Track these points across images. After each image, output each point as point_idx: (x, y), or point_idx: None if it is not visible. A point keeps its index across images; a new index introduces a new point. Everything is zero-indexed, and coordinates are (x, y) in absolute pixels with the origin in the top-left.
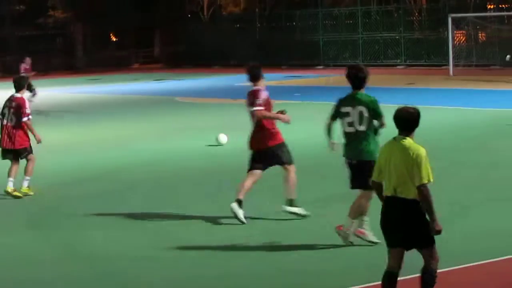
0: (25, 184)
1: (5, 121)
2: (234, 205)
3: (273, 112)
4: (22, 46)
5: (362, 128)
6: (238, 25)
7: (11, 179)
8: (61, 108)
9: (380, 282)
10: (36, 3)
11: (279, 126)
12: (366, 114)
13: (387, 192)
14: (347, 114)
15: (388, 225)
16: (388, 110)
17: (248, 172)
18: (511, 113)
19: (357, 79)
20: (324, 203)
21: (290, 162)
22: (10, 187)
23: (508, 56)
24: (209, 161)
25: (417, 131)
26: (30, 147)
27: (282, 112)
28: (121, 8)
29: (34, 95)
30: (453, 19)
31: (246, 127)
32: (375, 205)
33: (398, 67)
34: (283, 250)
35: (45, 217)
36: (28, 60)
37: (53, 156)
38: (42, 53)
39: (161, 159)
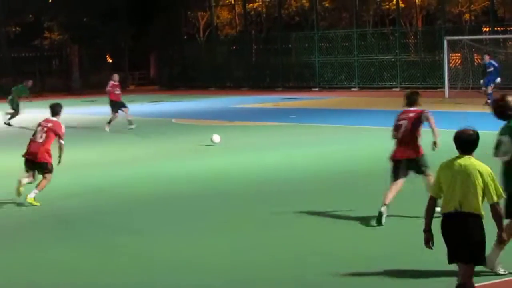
0: (32, 195)
1: (33, 137)
2: (384, 209)
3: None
4: (18, 67)
5: None
6: (234, 47)
7: (26, 179)
8: None
9: None
10: (32, 25)
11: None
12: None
13: (448, 208)
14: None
15: (452, 240)
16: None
17: (394, 181)
18: None
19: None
20: None
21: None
22: (23, 181)
23: (498, 79)
24: (206, 184)
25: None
26: (52, 166)
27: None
28: (118, 29)
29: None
30: (449, 42)
31: (242, 148)
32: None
33: (394, 89)
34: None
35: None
36: (116, 76)
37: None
38: (38, 75)
39: (160, 180)
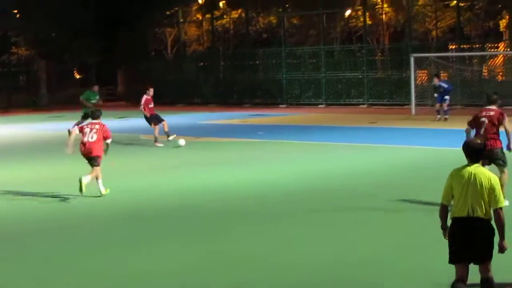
0: (102, 187)
1: (85, 139)
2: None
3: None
4: None
5: None
6: (202, 64)
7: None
8: (23, 145)
9: None
10: None
11: None
12: None
13: (460, 213)
14: None
15: (461, 243)
16: (354, 148)
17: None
18: None
19: None
20: None
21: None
22: (85, 180)
23: (447, 98)
24: (173, 199)
25: (374, 167)
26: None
27: None
28: (86, 45)
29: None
30: (416, 59)
31: (208, 164)
32: None
33: (361, 106)
34: None
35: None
36: (152, 91)
37: (20, 192)
38: (5, 90)
39: (128, 198)
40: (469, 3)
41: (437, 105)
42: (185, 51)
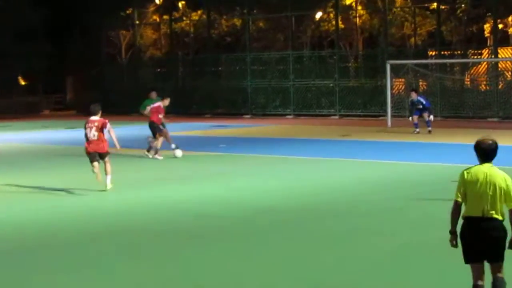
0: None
1: (90, 137)
2: None
3: None
4: None
5: None
6: (159, 70)
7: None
8: None
9: None
10: None
11: None
12: None
13: (474, 213)
14: None
15: (475, 242)
16: (324, 163)
17: None
18: (455, 168)
19: None
20: None
21: None
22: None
23: (431, 117)
24: (122, 219)
25: (345, 184)
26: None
27: None
28: (32, 50)
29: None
30: (392, 66)
31: (165, 180)
32: None
33: (333, 117)
34: None
35: None
36: (168, 101)
37: None
38: None
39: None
40: (450, 7)
41: (415, 117)
42: (141, 56)
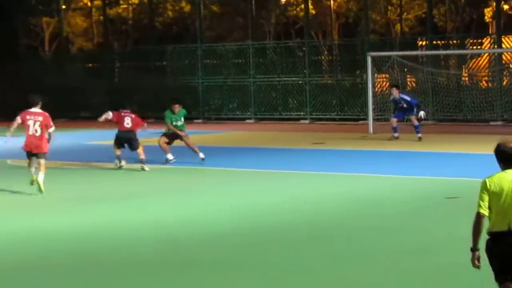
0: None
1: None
2: None
3: None
4: None
5: None
6: (90, 65)
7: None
8: None
9: None
10: None
11: None
12: None
13: (499, 227)
14: None
15: (503, 260)
16: (291, 177)
17: None
18: (450, 183)
19: None
20: None
21: None
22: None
23: (422, 113)
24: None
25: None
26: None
27: None
28: None
29: None
30: (374, 59)
31: (99, 200)
32: None
33: (302, 121)
34: None
35: None
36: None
37: None
38: None
39: None
40: None
41: (394, 119)
42: (68, 48)
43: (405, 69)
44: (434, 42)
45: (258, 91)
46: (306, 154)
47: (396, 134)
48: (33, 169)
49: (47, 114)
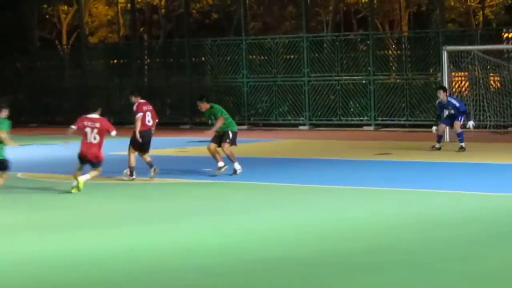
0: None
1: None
2: None
3: None
4: None
5: None
6: (115, 61)
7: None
8: None
9: None
10: None
11: None
12: None
13: None
14: None
15: None
16: (351, 194)
17: None
18: None
19: None
20: None
21: None
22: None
23: (470, 123)
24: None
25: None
26: None
27: None
28: None
29: None
30: (451, 55)
31: (122, 221)
32: None
33: (366, 128)
34: None
35: None
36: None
37: None
38: None
39: None
40: None
41: (442, 126)
42: (89, 41)
43: (488, 66)
44: None
45: (313, 93)
46: (371, 167)
47: (438, 145)
48: (80, 175)
49: (105, 119)
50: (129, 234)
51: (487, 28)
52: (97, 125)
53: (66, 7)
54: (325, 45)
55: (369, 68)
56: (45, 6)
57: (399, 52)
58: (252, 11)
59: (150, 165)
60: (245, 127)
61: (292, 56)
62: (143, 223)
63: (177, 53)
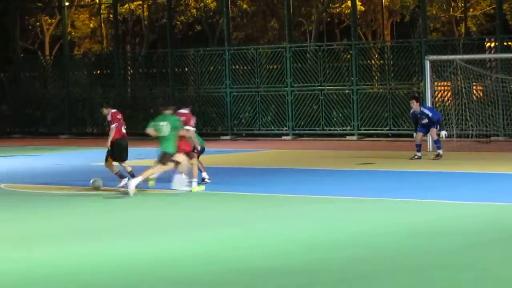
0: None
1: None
2: None
3: None
4: None
5: None
6: (98, 72)
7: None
8: None
9: None
10: None
11: None
12: None
13: None
14: None
15: None
16: (337, 205)
17: None
18: None
19: None
20: None
21: None
22: None
23: (443, 133)
24: None
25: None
26: None
27: None
28: None
29: None
30: (433, 64)
31: (109, 232)
32: None
33: (349, 137)
34: None
35: None
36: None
37: None
38: None
39: None
40: None
41: (419, 135)
42: (73, 52)
43: (471, 76)
44: (505, 43)
45: (296, 102)
46: (354, 177)
47: (418, 154)
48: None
49: (190, 114)
50: (113, 245)
51: (470, 37)
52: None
53: (48, 19)
54: (308, 55)
55: (352, 78)
56: (28, 17)
57: (382, 61)
58: (235, 21)
59: (131, 174)
60: (228, 137)
61: (275, 66)
62: (128, 235)
63: (160, 63)
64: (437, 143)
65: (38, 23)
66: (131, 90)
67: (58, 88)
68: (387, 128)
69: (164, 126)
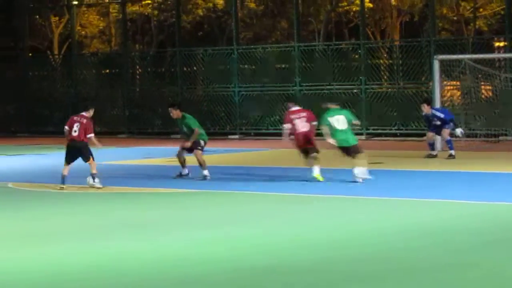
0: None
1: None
2: None
3: None
4: None
5: None
6: (107, 71)
7: None
8: None
9: None
10: None
11: None
12: None
13: None
14: None
15: None
16: (345, 204)
17: None
18: None
19: None
20: None
21: None
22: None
23: (459, 131)
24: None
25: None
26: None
27: None
28: None
29: None
30: (442, 64)
31: (114, 230)
32: None
33: (358, 137)
34: None
35: None
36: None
37: None
38: None
39: None
40: None
41: (430, 134)
42: (81, 51)
43: (479, 75)
44: None
45: (304, 101)
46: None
47: (435, 152)
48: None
49: (310, 111)
50: (115, 245)
51: (479, 37)
52: (303, 114)
53: (57, 18)
54: (316, 54)
55: (360, 77)
56: (37, 16)
57: (390, 61)
58: (244, 21)
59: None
60: (236, 136)
61: (283, 66)
62: (130, 233)
63: (169, 62)
64: (449, 143)
65: (47, 22)
66: (140, 89)
67: (67, 87)
68: (395, 128)
69: (340, 120)
